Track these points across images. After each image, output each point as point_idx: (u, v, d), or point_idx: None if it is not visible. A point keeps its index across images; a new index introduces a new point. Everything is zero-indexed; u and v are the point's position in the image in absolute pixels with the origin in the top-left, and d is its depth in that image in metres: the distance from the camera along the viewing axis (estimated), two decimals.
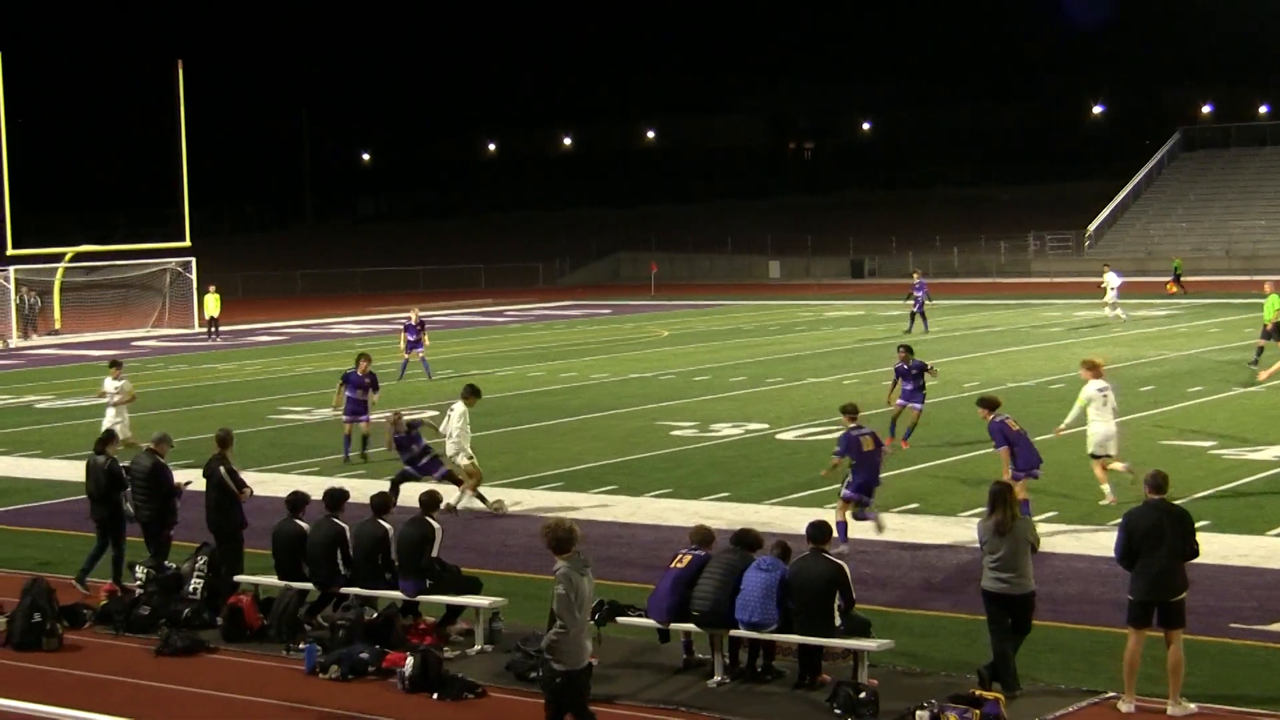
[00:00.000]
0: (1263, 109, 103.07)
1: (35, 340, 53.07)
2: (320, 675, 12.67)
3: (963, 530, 17.02)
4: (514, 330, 52.67)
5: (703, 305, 64.15)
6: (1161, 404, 27.18)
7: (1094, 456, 18.62)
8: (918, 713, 11.01)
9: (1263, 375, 25.47)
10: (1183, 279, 61.36)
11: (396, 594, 13.70)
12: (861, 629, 12.03)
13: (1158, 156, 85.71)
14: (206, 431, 23.53)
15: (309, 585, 14.05)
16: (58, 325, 55.40)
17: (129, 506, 15.88)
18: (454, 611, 13.73)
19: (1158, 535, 11.30)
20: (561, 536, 10.08)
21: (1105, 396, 18.67)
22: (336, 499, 14.21)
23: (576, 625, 9.93)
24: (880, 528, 16.68)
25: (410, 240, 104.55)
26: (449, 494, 19.24)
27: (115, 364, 24.25)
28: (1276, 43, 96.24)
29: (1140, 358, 35.35)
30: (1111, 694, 11.56)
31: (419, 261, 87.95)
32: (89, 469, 16.04)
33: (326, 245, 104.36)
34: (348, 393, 23.71)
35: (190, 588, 14.60)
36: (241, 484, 15.51)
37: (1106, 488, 18.39)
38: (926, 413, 23.29)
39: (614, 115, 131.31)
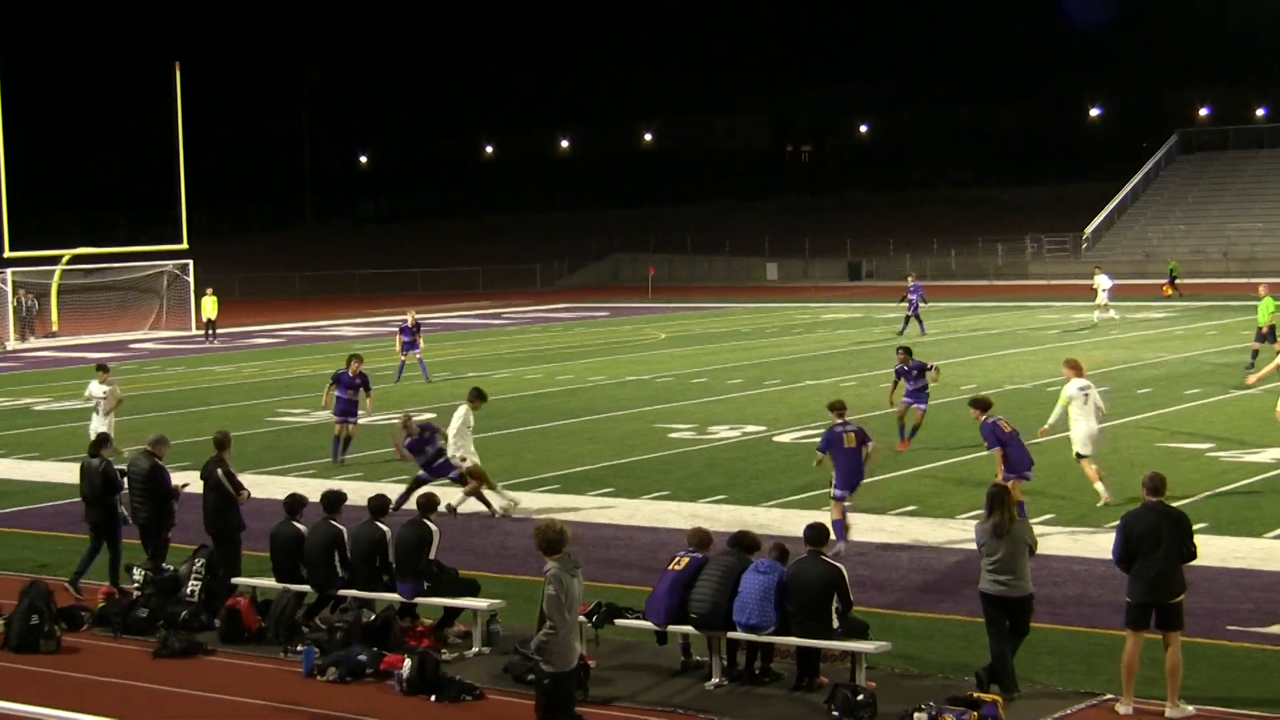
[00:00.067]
0: (1260, 111, 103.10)
1: (33, 342, 53.05)
2: (318, 677, 12.67)
3: (961, 532, 17.03)
4: (511, 332, 52.68)
5: (701, 307, 64.16)
6: (1159, 406, 27.18)
7: (1079, 456, 18.67)
8: (915, 715, 11.02)
9: (1252, 379, 25.46)
10: (1178, 281, 61.36)
11: (394, 596, 13.70)
12: (859, 631, 12.04)
13: (1155, 158, 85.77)
14: (204, 434, 23.52)
15: (307, 587, 14.06)
16: (55, 327, 55.41)
17: (124, 510, 15.87)
18: (452, 613, 13.73)
19: (1155, 537, 11.30)
20: (552, 538, 10.11)
21: (1086, 395, 18.74)
22: (334, 501, 14.21)
23: (566, 626, 9.94)
24: (839, 550, 15.88)
25: (410, 241, 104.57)
26: (452, 496, 19.29)
27: (103, 367, 24.02)
28: (1275, 45, 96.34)
29: (1138, 360, 35.37)
30: (1109, 696, 11.57)
31: (418, 263, 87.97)
32: (83, 472, 16.02)
33: (326, 246, 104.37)
34: (338, 393, 23.63)
35: (188, 590, 14.60)
36: (239, 486, 15.50)
37: (1100, 486, 18.44)
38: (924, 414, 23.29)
39: (613, 116, 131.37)
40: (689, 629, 12.47)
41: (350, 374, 23.78)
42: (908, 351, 23.32)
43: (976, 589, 12.08)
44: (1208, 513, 17.58)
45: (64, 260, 56.81)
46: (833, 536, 15.26)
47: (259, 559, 15.27)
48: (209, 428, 23.16)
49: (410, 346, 35.11)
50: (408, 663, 12.34)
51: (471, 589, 13.77)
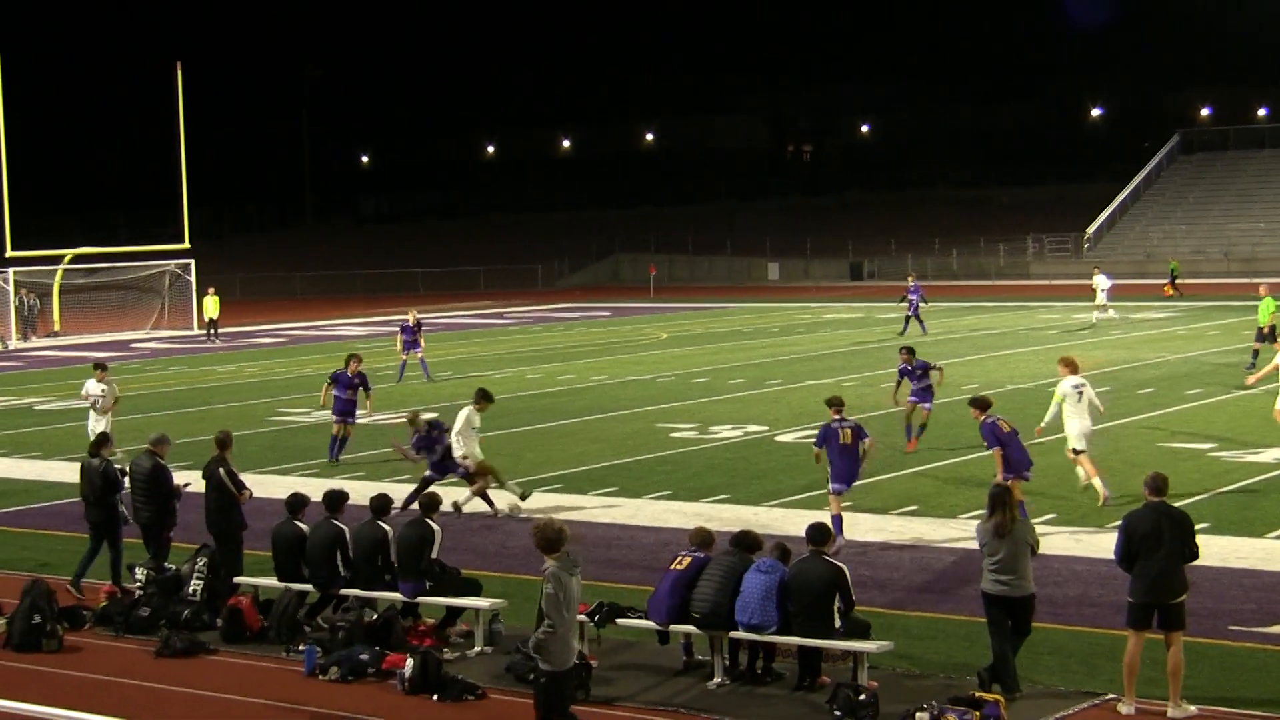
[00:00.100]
0: (1261, 111, 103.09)
1: (35, 342, 53.07)
2: (320, 677, 12.67)
3: (962, 532, 17.03)
4: (513, 332, 52.68)
5: (702, 307, 64.16)
6: (1160, 406, 27.19)
7: (1075, 452, 18.70)
8: (917, 715, 11.02)
9: (1251, 380, 25.46)
10: (1178, 281, 61.34)
11: (396, 596, 13.71)
12: (861, 631, 12.04)
13: (1156, 159, 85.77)
14: (206, 433, 23.55)
15: (309, 587, 14.06)
16: (57, 327, 55.42)
17: (124, 509, 15.86)
18: (454, 613, 13.74)
19: (1157, 537, 11.31)
20: (551, 536, 10.13)
21: (1080, 393, 18.84)
22: (336, 500, 14.22)
23: (564, 624, 9.96)
24: (839, 546, 15.90)
25: (410, 241, 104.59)
26: (455, 494, 19.30)
27: (100, 366, 23.98)
28: (1275, 45, 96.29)
29: (1139, 360, 35.37)
30: (1111, 696, 11.57)
31: (419, 263, 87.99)
32: (84, 472, 16.00)
33: (326, 246, 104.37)
34: (336, 393, 23.58)
35: (190, 589, 14.61)
36: (241, 486, 15.51)
37: (1098, 482, 18.50)
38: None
39: (613, 116, 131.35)
40: (691, 629, 12.47)
41: (349, 374, 23.74)
42: (911, 351, 23.30)
43: (978, 589, 12.08)
44: (1209, 513, 17.58)
45: (66, 260, 56.83)
46: (834, 532, 15.61)
47: (261, 558, 15.28)
48: (211, 427, 23.17)
49: (411, 346, 35.12)
50: (410, 662, 12.35)
51: (473, 589, 13.78)
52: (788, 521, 17.62)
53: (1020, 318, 51.45)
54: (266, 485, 20.25)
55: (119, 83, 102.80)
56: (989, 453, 17.57)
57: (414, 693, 12.17)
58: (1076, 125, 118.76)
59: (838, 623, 11.96)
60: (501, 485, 19.28)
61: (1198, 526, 12.04)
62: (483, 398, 19.65)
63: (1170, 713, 11.22)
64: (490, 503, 19.24)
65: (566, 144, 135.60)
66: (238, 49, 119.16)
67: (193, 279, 57.34)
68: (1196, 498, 18.52)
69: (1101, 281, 46.26)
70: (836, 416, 16.96)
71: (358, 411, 24.09)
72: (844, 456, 16.74)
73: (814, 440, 17.34)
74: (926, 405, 22.66)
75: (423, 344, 35.78)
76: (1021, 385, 30.81)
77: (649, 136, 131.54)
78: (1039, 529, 14.87)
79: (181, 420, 28.94)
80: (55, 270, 56.13)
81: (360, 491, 17.13)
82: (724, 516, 18.25)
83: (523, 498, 19.23)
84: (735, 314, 58.52)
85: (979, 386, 29.36)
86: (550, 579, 10.02)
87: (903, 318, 45.47)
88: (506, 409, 28.93)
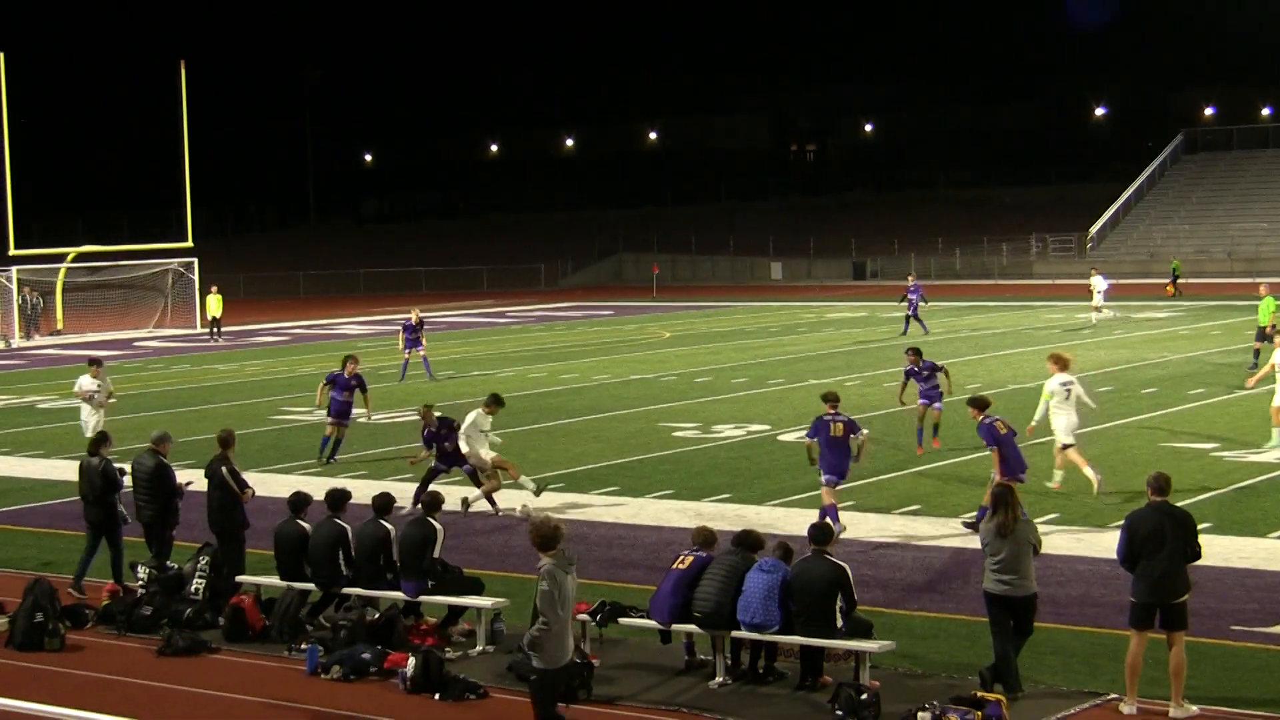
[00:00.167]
0: (1265, 111, 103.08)
1: (37, 340, 53.09)
2: (322, 676, 12.68)
3: (964, 532, 17.04)
4: (515, 331, 52.69)
5: (705, 306, 64.16)
6: (1163, 406, 27.18)
7: (1064, 446, 18.76)
8: (919, 714, 11.02)
9: (1251, 381, 25.43)
10: (1180, 281, 61.30)
11: (398, 595, 13.71)
12: (863, 630, 12.04)
13: (1160, 159, 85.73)
14: (208, 432, 23.57)
15: (311, 586, 14.06)
16: (60, 325, 55.44)
17: (123, 509, 15.84)
18: (456, 612, 13.74)
19: (1159, 537, 11.30)
20: (547, 534, 10.15)
21: (1068, 390, 18.98)
22: (338, 499, 14.21)
23: (559, 622, 9.97)
24: (839, 531, 16.34)
25: (411, 241, 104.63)
26: (467, 491, 19.31)
27: (95, 362, 23.88)
28: (1278, 44, 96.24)
29: (1142, 360, 35.36)
30: (1113, 696, 11.57)
31: (421, 262, 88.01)
32: (83, 471, 15.97)
33: (329, 246, 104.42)
34: (333, 394, 23.51)
35: (192, 588, 14.61)
36: (243, 484, 15.51)
37: (1089, 471, 18.61)
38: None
39: (615, 116, 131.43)
40: (693, 628, 12.47)
41: (346, 375, 23.66)
42: (917, 353, 23.20)
43: (980, 588, 12.08)
44: (1212, 513, 17.58)
45: (69, 258, 56.86)
46: (830, 521, 15.83)
47: (263, 557, 15.29)
48: (213, 426, 23.17)
49: (414, 344, 35.14)
50: (412, 661, 12.35)
51: (475, 588, 13.78)
52: (790, 521, 17.62)
53: (1023, 317, 51.43)
54: (269, 484, 20.26)
55: (121, 82, 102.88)
56: (989, 452, 17.56)
57: (416, 692, 12.17)
58: (1078, 125, 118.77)
59: (840, 622, 11.95)
60: (514, 480, 19.30)
61: (1200, 526, 12.04)
62: (493, 402, 19.61)
63: (1172, 713, 11.21)
64: (493, 503, 19.26)
65: (569, 144, 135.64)
66: (239, 49, 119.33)
67: (195, 278, 57.37)
68: (1199, 497, 18.51)
69: (1098, 283, 46.24)
70: (830, 410, 17.26)
71: (355, 412, 24.02)
72: (834, 450, 17.10)
73: (807, 434, 17.60)
74: (937, 406, 22.61)
75: (425, 343, 35.80)
76: (1024, 385, 30.77)
77: (651, 136, 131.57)
78: (1041, 529, 14.86)
79: (184, 419, 28.95)
80: (58, 269, 56.15)
81: (362, 490, 17.13)
82: (726, 516, 18.25)
83: (537, 493, 19.24)
84: (738, 313, 58.52)
85: (982, 386, 29.36)
86: (546, 576, 10.04)
87: (903, 318, 45.46)
88: (509, 408, 28.80)
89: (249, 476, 16.31)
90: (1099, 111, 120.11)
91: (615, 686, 12.15)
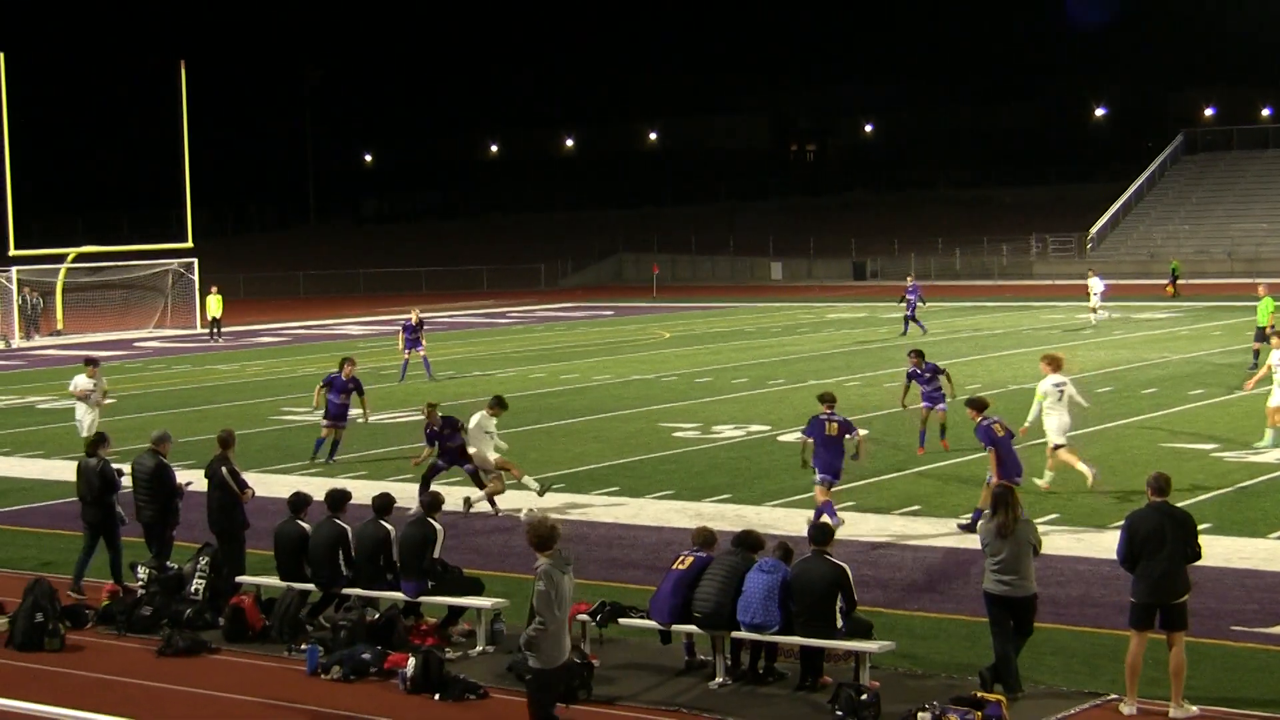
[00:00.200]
0: (1265, 111, 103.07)
1: (38, 341, 53.08)
2: (322, 676, 12.68)
3: (964, 532, 17.03)
4: (516, 332, 52.69)
5: (705, 307, 64.16)
6: (1164, 406, 27.18)
7: (1056, 447, 18.83)
8: (919, 714, 11.02)
9: (1249, 384, 25.42)
10: (1179, 282, 61.28)
11: (398, 595, 13.71)
12: (863, 631, 12.04)
13: (1160, 159, 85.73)
14: (208, 432, 23.57)
15: (311, 586, 14.06)
16: (60, 326, 55.42)
17: (121, 510, 15.83)
18: (456, 612, 13.74)
19: (1159, 538, 11.30)
20: (543, 534, 10.16)
21: (1061, 391, 19.16)
22: (338, 500, 14.21)
23: (556, 622, 9.97)
24: (838, 524, 16.64)
25: (411, 241, 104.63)
26: (470, 492, 19.30)
27: (91, 362, 23.83)
28: (1278, 45, 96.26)
29: (1142, 360, 35.37)
30: (1113, 696, 11.57)
31: (421, 262, 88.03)
32: (81, 472, 15.95)
33: (329, 246, 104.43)
34: (330, 396, 23.46)
35: (192, 588, 14.61)
36: (243, 485, 15.50)
37: (1083, 466, 18.74)
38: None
39: (615, 116, 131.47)
40: (693, 628, 12.47)
41: (343, 377, 23.62)
42: (920, 355, 23.11)
43: (980, 589, 12.08)
44: (1212, 513, 17.57)
45: (69, 259, 56.86)
46: (827, 517, 16.37)
47: (263, 557, 15.28)
48: (213, 426, 23.17)
49: (414, 345, 35.13)
50: (412, 661, 12.35)
51: (475, 588, 13.78)
52: (790, 521, 17.62)
53: (1023, 318, 51.44)
54: (269, 484, 20.26)
55: (121, 82, 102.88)
56: (987, 453, 17.56)
57: (416, 692, 12.17)
58: (1078, 125, 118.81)
59: (840, 623, 11.95)
60: (519, 481, 19.31)
61: (1200, 527, 12.04)
62: (496, 404, 19.63)
63: (1172, 713, 11.21)
64: (494, 504, 19.26)
65: (569, 144, 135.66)
66: (239, 49, 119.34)
67: (195, 278, 57.37)
68: (1199, 498, 18.51)
69: (1095, 284, 46.26)
70: (826, 410, 17.48)
71: (352, 413, 23.98)
72: (829, 449, 17.31)
73: (803, 430, 17.73)
74: (941, 407, 22.57)
75: (425, 343, 35.79)
76: (1024, 385, 30.73)
77: (651, 136, 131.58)
78: (1042, 529, 14.87)
79: (184, 419, 28.95)
80: (58, 269, 56.14)
81: (362, 491, 17.13)
82: (726, 516, 18.25)
83: (540, 493, 19.25)
84: (738, 313, 58.51)
85: (982, 386, 29.36)
86: (542, 577, 10.05)
87: (902, 318, 45.45)
88: (509, 409, 28.90)
89: (249, 477, 16.31)
90: (1099, 112, 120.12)
91: (615, 687, 12.15)
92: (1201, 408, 26.97)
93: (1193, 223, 79.68)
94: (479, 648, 13.22)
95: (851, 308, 59.87)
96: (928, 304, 47.11)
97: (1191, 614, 11.60)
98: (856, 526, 17.60)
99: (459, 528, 17.75)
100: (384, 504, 14.06)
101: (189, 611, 14.14)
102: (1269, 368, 23.13)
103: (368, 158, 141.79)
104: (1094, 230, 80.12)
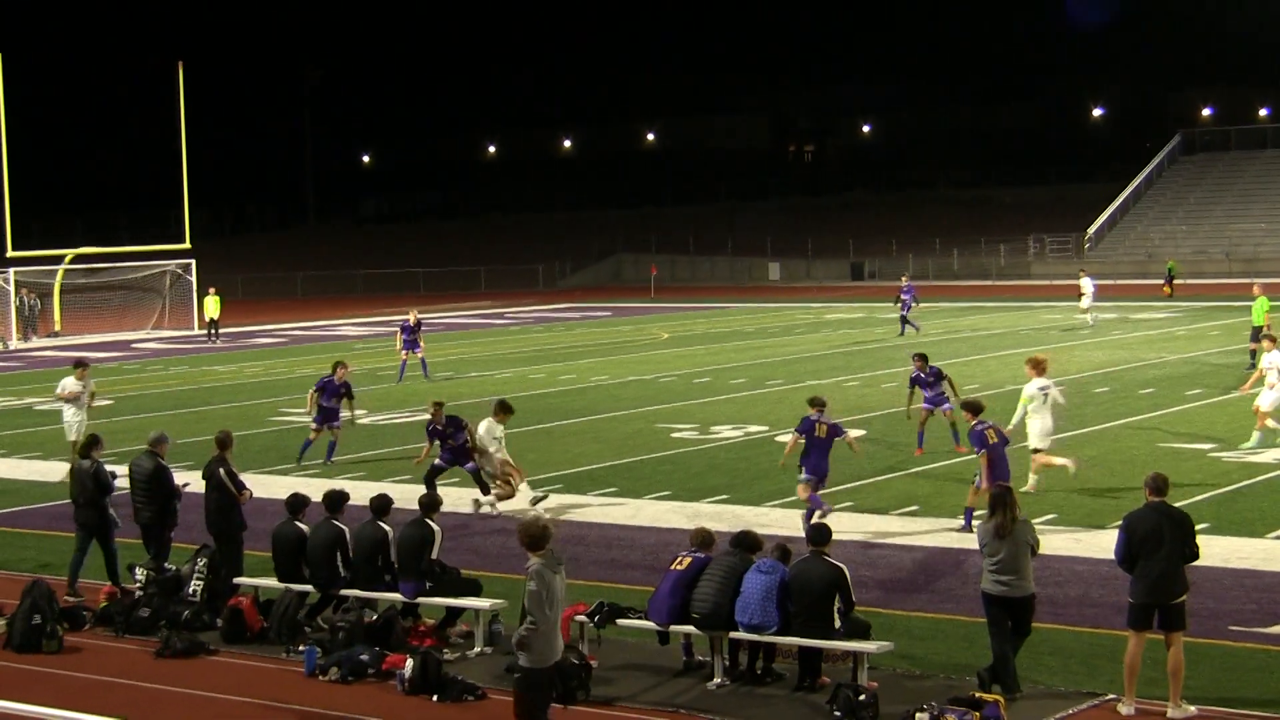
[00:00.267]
0: (1263, 111, 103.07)
1: (35, 342, 53.07)
2: (320, 677, 12.68)
3: (962, 532, 17.03)
4: (514, 332, 52.69)
5: (703, 307, 64.16)
6: (1161, 407, 27.18)
7: (1035, 450, 18.88)
8: (917, 715, 11.02)
9: (1244, 388, 25.40)
10: (1176, 282, 61.28)
11: (396, 596, 13.71)
12: (861, 631, 12.04)
13: (1158, 159, 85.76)
14: (206, 433, 23.54)
15: (309, 587, 14.06)
16: (58, 327, 55.42)
17: (114, 512, 15.81)
18: (454, 613, 13.74)
19: (1158, 538, 11.30)
20: (535, 534, 10.16)
21: (1045, 394, 19.34)
22: (336, 501, 14.21)
23: (547, 622, 9.97)
24: (826, 512, 17.21)
25: (411, 241, 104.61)
26: (459, 494, 19.32)
27: (81, 364, 23.74)
28: (1277, 45, 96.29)
29: (1140, 360, 35.37)
30: (1112, 696, 11.57)
31: (420, 263, 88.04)
32: (74, 474, 15.95)
33: (327, 247, 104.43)
34: (322, 401, 23.44)
35: (190, 590, 14.60)
36: (241, 486, 15.50)
37: (1059, 460, 19.00)
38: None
39: (613, 116, 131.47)
40: (691, 629, 12.47)
41: (337, 381, 23.62)
42: (924, 358, 22.98)
43: (978, 589, 12.08)
44: (1210, 513, 17.58)
45: (67, 260, 56.85)
46: (819, 513, 16.73)
47: (261, 559, 15.28)
48: (211, 427, 23.15)
49: (411, 346, 35.12)
50: (410, 663, 12.35)
51: (474, 589, 13.78)
52: (788, 522, 17.62)
53: (1021, 318, 51.45)
54: (267, 485, 20.25)
55: (120, 82, 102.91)
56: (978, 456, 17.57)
57: (414, 693, 12.17)
58: (1077, 125, 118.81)
59: (838, 623, 11.95)
60: (517, 483, 19.32)
61: (1198, 527, 12.04)
62: (501, 409, 19.63)
63: (1170, 713, 11.21)
64: (493, 505, 19.28)
65: (567, 144, 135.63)
66: (238, 49, 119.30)
67: (193, 279, 57.37)
68: (1197, 498, 18.52)
69: (1086, 285, 46.28)
70: (816, 413, 17.54)
71: (343, 415, 23.92)
72: (818, 450, 17.43)
73: (795, 429, 17.80)
74: (946, 406, 22.54)
75: (423, 344, 35.77)
76: (1022, 385, 30.74)
77: (650, 136, 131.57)
78: (1039, 529, 14.87)
79: (182, 420, 28.94)
80: (56, 270, 56.15)
81: (360, 492, 17.11)
82: (724, 517, 18.25)
83: (532, 503, 19.25)
84: (736, 314, 58.52)
85: (980, 387, 29.36)
86: (533, 576, 10.05)
87: (898, 319, 45.44)
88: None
89: (247, 478, 16.31)
90: (1097, 112, 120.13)
91: (613, 687, 12.15)
92: (1199, 408, 26.98)
93: (1191, 223, 79.70)
94: (477, 649, 13.22)
95: (849, 308, 59.88)
96: (920, 304, 47.04)
97: (1190, 614, 11.60)
98: (855, 527, 17.60)
99: (457, 528, 17.74)
100: (382, 505, 14.06)
101: (187, 613, 14.14)
102: (1261, 373, 23.13)
103: (366, 158, 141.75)
104: (1092, 230, 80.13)
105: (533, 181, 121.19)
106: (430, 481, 19.11)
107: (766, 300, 68.42)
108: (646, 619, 12.78)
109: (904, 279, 47.39)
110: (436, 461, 19.66)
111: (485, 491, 19.39)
